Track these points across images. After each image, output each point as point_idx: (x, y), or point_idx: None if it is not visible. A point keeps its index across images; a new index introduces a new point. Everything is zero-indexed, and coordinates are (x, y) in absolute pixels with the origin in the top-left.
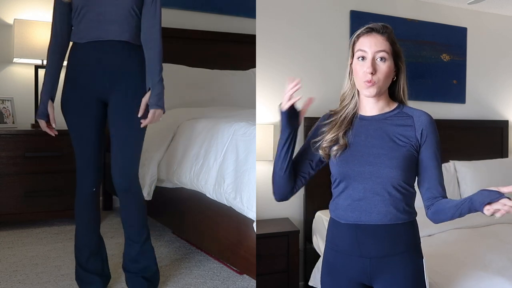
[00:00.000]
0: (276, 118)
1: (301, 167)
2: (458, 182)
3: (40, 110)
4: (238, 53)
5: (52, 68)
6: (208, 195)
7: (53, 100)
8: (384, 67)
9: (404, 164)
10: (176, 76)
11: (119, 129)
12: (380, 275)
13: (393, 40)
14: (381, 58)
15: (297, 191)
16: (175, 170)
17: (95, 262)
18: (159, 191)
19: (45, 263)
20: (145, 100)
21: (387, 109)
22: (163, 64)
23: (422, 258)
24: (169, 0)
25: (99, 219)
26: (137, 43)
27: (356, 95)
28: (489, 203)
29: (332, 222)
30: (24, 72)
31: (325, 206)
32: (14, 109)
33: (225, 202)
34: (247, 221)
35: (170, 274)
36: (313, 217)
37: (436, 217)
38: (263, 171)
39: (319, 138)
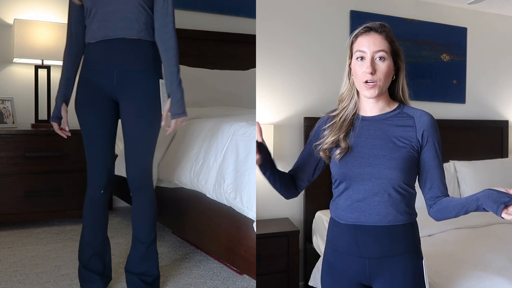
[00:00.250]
0: (276, 118)
1: (305, 171)
2: (458, 182)
3: (54, 113)
4: (238, 53)
5: (68, 71)
6: (208, 195)
7: (67, 104)
8: (383, 66)
9: (404, 165)
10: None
11: (131, 128)
12: (379, 275)
13: (392, 39)
14: (380, 58)
15: (302, 190)
16: (175, 170)
17: (97, 262)
18: (159, 191)
19: (45, 263)
20: (166, 108)
21: (387, 109)
22: None
23: (422, 259)
24: None
25: (106, 220)
26: (147, 39)
27: (356, 96)
28: (506, 207)
29: (332, 222)
30: (24, 72)
31: (325, 206)
32: (14, 109)
33: (225, 202)
34: (247, 221)
35: (170, 274)
36: (313, 217)
37: (439, 216)
38: None
39: (320, 141)
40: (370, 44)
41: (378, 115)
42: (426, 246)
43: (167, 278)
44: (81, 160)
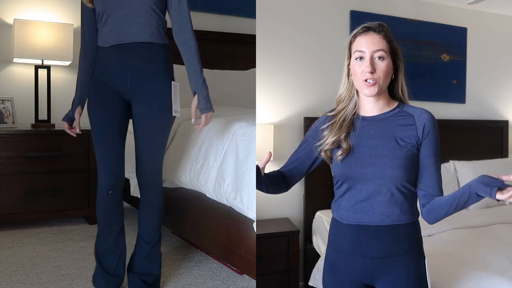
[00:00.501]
0: (276, 118)
1: (299, 169)
2: (458, 182)
3: (68, 114)
4: (238, 53)
5: (84, 75)
6: (208, 195)
7: (82, 107)
8: (383, 65)
9: (406, 164)
10: (176, 76)
11: (144, 128)
12: (382, 275)
13: (390, 38)
14: (379, 57)
15: (292, 186)
16: (175, 170)
17: (110, 259)
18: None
19: (45, 263)
20: (194, 105)
21: (387, 109)
22: None
23: (424, 258)
24: None
25: (120, 217)
26: (160, 42)
27: (355, 96)
28: (500, 189)
29: (334, 222)
30: (24, 72)
31: (325, 206)
32: (14, 109)
33: (225, 202)
34: (247, 221)
35: (170, 274)
36: (313, 217)
37: (432, 215)
38: None
39: (320, 142)
40: (369, 44)
41: (378, 115)
42: (426, 246)
43: (167, 278)
44: (81, 160)
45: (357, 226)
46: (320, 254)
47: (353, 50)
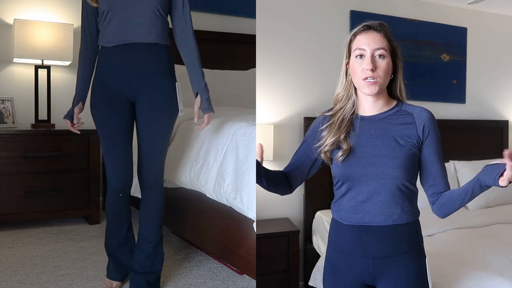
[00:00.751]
0: (276, 118)
1: (300, 170)
2: (458, 182)
3: (69, 112)
4: (238, 53)
5: (84, 73)
6: (208, 195)
7: (83, 103)
8: (383, 64)
9: (407, 163)
10: (176, 76)
11: (148, 126)
12: (383, 275)
13: (390, 37)
14: (380, 56)
15: (296, 188)
16: (175, 170)
17: (123, 251)
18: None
19: (45, 263)
20: (197, 105)
21: (386, 108)
22: None
23: (425, 257)
24: None
25: (129, 215)
26: (164, 43)
27: (354, 95)
28: (501, 175)
29: (335, 223)
30: (24, 72)
31: (325, 206)
32: (14, 109)
33: (225, 202)
34: (247, 221)
35: (170, 274)
36: (313, 217)
37: (444, 210)
38: None
39: (320, 143)
40: (369, 42)
41: (378, 114)
42: (426, 246)
43: (167, 278)
44: (81, 160)
45: (358, 226)
46: (320, 254)
47: (353, 48)
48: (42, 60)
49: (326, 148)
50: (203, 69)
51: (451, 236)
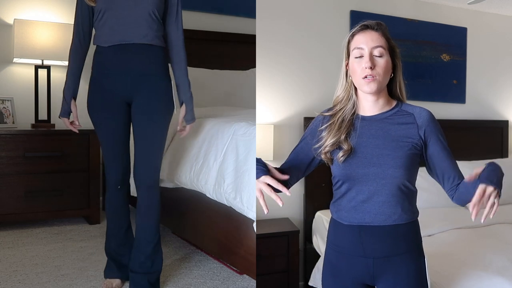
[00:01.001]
0: (276, 118)
1: (298, 168)
2: None
3: (63, 108)
4: (238, 53)
5: (74, 68)
6: (208, 195)
7: (75, 99)
8: (382, 62)
9: (407, 163)
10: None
11: (142, 128)
12: (383, 275)
13: (388, 36)
14: (379, 54)
15: (291, 186)
16: (175, 170)
17: (123, 253)
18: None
19: (45, 263)
20: (182, 114)
21: (387, 108)
22: None
23: (424, 257)
24: None
25: (128, 212)
26: (159, 44)
27: (354, 96)
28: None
29: (334, 223)
30: (24, 72)
31: (325, 206)
32: (14, 109)
33: (225, 202)
34: (247, 221)
35: (170, 274)
36: (313, 217)
37: (463, 200)
38: None
39: (320, 143)
40: (368, 41)
41: (378, 114)
42: (426, 246)
43: (167, 278)
44: (81, 160)
45: (358, 226)
46: (320, 254)
47: (351, 48)
48: (42, 60)
49: (327, 148)
50: (203, 69)
51: (451, 236)
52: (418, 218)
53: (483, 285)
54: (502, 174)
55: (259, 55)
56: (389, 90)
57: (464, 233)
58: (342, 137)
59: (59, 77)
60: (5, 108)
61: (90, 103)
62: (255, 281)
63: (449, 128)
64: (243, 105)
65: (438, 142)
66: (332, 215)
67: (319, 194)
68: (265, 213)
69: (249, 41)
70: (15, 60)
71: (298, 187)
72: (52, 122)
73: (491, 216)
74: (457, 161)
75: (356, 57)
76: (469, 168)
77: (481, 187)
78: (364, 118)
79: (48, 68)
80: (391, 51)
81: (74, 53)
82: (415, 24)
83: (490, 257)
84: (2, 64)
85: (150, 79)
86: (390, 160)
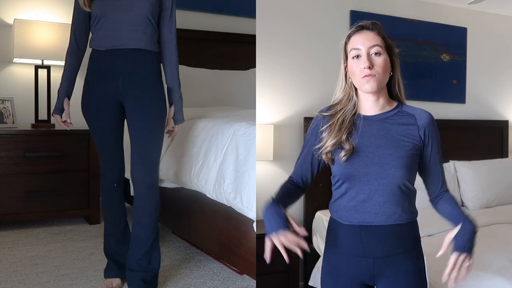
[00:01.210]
0: (276, 118)
1: (310, 170)
2: (458, 182)
3: (57, 105)
4: (238, 53)
5: (69, 70)
6: (208, 195)
7: (69, 98)
8: (380, 60)
9: (408, 163)
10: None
11: (136, 127)
12: (383, 274)
13: (384, 35)
14: (376, 53)
15: (307, 186)
16: (175, 170)
17: (122, 251)
18: (159, 191)
19: (45, 263)
20: (170, 115)
21: (387, 108)
22: None
23: (423, 256)
24: None
25: (125, 211)
26: (153, 49)
27: (354, 96)
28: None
29: (333, 223)
30: (24, 72)
31: (325, 206)
32: (14, 109)
33: (225, 202)
34: (247, 221)
35: (170, 274)
36: (313, 217)
37: (442, 214)
38: (263, 171)
39: (320, 144)
40: (364, 41)
41: (379, 114)
42: (426, 246)
43: (167, 278)
44: (81, 160)
45: (358, 226)
46: (320, 254)
47: (349, 50)
48: (42, 60)
49: (328, 149)
50: (203, 69)
51: None
52: (418, 218)
53: (483, 285)
54: (475, 233)
55: (259, 55)
56: (388, 90)
57: None
58: (344, 137)
59: (59, 77)
60: (5, 108)
61: (84, 104)
62: (255, 281)
63: (449, 128)
64: (243, 105)
65: (435, 145)
66: (332, 215)
67: (319, 194)
68: (287, 262)
69: (249, 41)
70: (15, 60)
71: None
72: (52, 122)
73: (462, 280)
74: (457, 161)
75: (354, 59)
76: (469, 168)
77: (454, 256)
78: (365, 117)
79: (48, 68)
80: (388, 49)
81: (71, 54)
82: (415, 24)
83: (490, 257)
84: (2, 64)
85: (140, 80)
86: (392, 160)
